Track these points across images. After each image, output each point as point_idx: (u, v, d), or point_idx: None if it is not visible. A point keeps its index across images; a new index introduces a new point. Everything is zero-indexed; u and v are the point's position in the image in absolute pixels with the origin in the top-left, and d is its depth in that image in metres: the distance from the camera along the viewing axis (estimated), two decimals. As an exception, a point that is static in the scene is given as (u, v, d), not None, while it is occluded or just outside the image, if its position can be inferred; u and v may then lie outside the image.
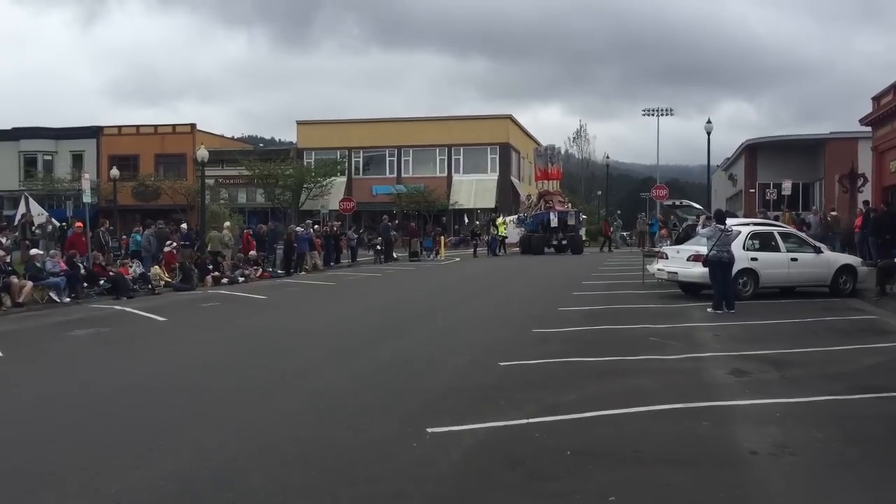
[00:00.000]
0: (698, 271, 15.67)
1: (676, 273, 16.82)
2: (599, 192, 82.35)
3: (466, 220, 51.25)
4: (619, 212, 65.96)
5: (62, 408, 7.76)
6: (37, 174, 55.87)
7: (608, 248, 44.13)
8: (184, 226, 29.41)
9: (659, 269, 17.63)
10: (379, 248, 35.06)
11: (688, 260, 16.32)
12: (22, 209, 30.74)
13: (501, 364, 9.44)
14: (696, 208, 21.97)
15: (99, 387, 8.78)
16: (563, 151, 57.85)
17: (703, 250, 15.00)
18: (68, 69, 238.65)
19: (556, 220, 39.43)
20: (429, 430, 6.53)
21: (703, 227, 15.97)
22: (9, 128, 58.61)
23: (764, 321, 13.21)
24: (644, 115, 62.45)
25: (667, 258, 17.60)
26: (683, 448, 6.09)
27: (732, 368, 9.09)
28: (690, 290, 17.16)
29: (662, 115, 62.03)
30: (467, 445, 6.16)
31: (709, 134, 37.96)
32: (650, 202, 64.97)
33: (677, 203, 23.82)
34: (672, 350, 10.39)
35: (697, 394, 7.82)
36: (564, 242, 39.15)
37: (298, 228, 29.38)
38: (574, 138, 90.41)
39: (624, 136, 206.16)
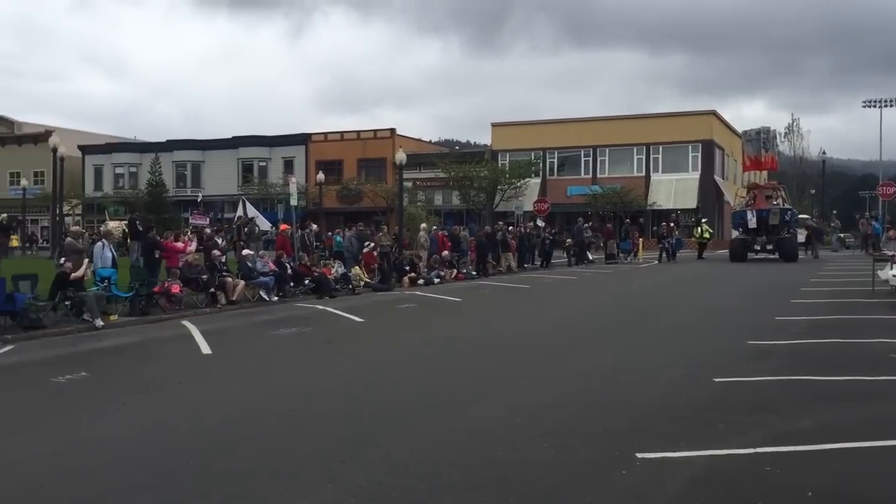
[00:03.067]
0: (945, 279, 13.71)
1: (917, 280, 14.85)
2: (813, 191, 76.38)
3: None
4: (834, 212, 60.62)
5: (260, 412, 7.72)
6: (253, 179, 59.97)
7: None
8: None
9: (894, 276, 15.67)
10: (572, 250, 34.17)
11: (931, 265, 14.36)
12: (239, 211, 33.09)
13: (716, 380, 8.51)
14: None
15: (296, 390, 8.79)
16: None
17: (953, 255, 13.11)
18: (278, 80, 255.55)
19: (753, 219, 33.32)
20: (639, 455, 5.83)
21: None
22: (229, 137, 63.54)
23: None
24: (864, 106, 57.09)
25: (904, 263, 15.61)
26: (959, 498, 5.00)
27: None
28: (934, 299, 15.11)
29: (886, 106, 56.37)
30: (684, 477, 5.39)
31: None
32: (871, 200, 59.34)
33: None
34: (922, 371, 8.95)
35: (965, 427, 6.54)
36: (769, 247, 32.83)
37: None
38: (786, 133, 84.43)
39: (837, 130, 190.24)
